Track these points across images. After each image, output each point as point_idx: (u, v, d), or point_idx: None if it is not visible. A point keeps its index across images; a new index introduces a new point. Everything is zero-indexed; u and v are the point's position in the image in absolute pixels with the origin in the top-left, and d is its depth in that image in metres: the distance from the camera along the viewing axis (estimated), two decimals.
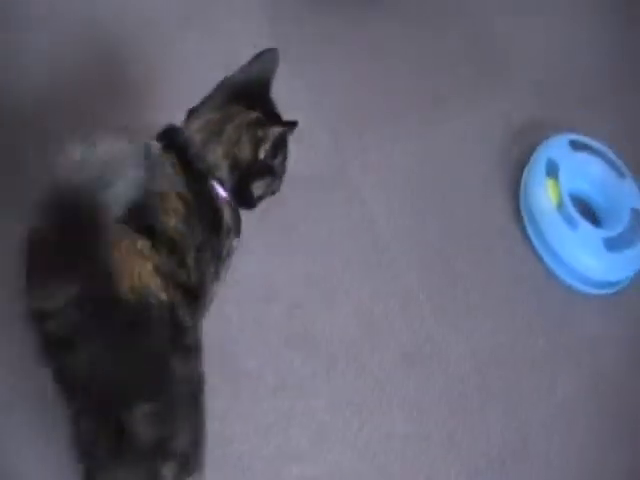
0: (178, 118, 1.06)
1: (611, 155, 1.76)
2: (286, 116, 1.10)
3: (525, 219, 1.70)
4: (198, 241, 0.94)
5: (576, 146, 1.75)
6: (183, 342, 0.89)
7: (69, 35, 1.68)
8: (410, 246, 1.62)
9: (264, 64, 1.08)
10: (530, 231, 1.68)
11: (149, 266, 0.84)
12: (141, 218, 0.86)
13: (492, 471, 1.36)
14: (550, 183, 1.68)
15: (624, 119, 1.98)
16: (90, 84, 1.62)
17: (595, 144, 1.77)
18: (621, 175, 1.74)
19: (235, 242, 1.05)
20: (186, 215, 0.92)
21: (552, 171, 1.69)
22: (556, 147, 1.74)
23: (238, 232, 1.05)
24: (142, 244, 0.85)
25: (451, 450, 1.36)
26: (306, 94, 1.77)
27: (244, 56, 1.11)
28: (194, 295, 0.93)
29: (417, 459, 1.34)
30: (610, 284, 1.64)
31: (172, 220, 0.90)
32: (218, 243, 1.00)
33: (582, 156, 1.74)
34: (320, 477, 1.28)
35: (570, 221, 1.60)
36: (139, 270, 0.83)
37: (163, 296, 0.85)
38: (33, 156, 1.40)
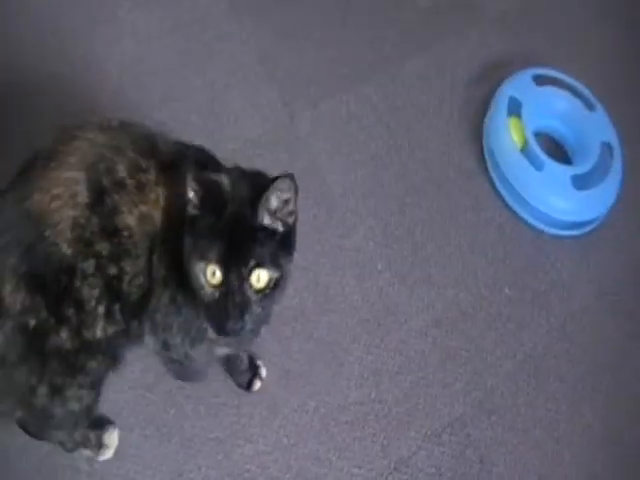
0: None
1: (579, 87, 1.63)
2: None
3: (488, 162, 1.59)
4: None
5: (541, 81, 1.63)
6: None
7: None
8: (366, 193, 1.52)
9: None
10: (494, 175, 1.58)
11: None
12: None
13: (453, 434, 1.28)
14: (513, 122, 1.57)
15: (593, 52, 1.85)
16: None
17: (562, 76, 1.64)
18: (591, 107, 1.61)
19: None
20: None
21: (515, 109, 1.58)
22: (518, 84, 1.61)
23: None
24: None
25: (409, 412, 1.29)
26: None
27: None
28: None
29: (375, 423, 1.27)
30: (581, 224, 1.52)
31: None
32: None
33: (547, 90, 1.62)
34: (272, 453, 1.22)
35: (535, 161, 1.49)
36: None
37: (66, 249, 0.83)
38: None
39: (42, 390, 0.91)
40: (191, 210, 0.83)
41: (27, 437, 1.13)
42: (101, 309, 0.89)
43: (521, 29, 1.86)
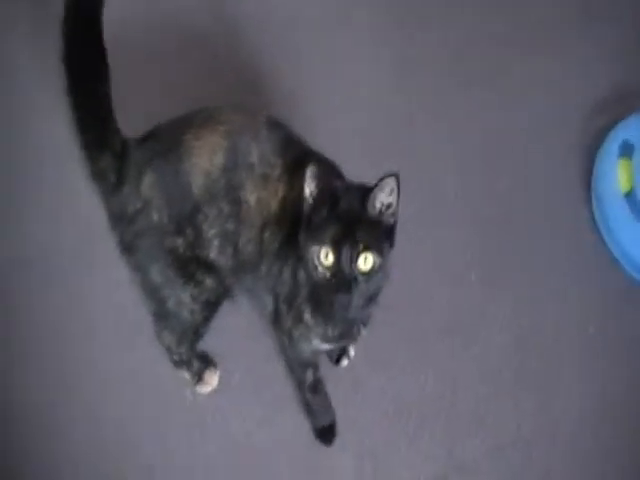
0: None
1: None
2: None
3: (593, 201, 1.63)
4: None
5: None
6: None
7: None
8: (472, 205, 1.59)
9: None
10: (597, 215, 1.61)
11: None
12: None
13: (514, 449, 1.35)
14: (623, 164, 1.58)
15: None
16: None
17: None
18: None
19: None
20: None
21: (627, 152, 1.59)
22: (633, 126, 1.62)
23: None
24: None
25: (478, 422, 1.36)
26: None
27: None
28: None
29: (446, 423, 1.35)
30: None
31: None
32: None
33: None
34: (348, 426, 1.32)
35: (637, 209, 1.51)
36: None
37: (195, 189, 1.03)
38: None
39: (157, 274, 1.07)
40: (308, 203, 0.95)
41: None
42: (216, 242, 1.05)
43: None
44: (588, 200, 1.64)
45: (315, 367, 1.24)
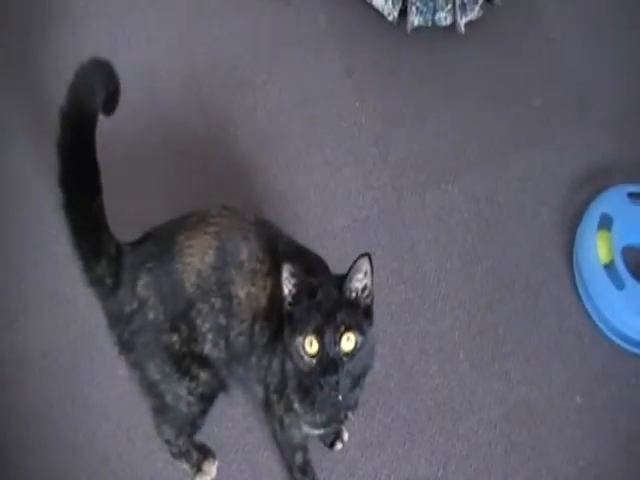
0: None
1: None
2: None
3: (575, 271, 1.70)
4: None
5: (636, 198, 1.72)
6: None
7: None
8: (458, 284, 1.67)
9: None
10: (579, 285, 1.68)
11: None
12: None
13: None
14: (603, 236, 1.66)
15: None
16: None
17: None
18: None
19: None
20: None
21: (606, 224, 1.67)
22: (611, 200, 1.71)
23: None
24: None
25: None
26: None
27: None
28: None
29: None
30: None
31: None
32: None
33: None
34: None
35: (616, 279, 1.58)
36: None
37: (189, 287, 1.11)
38: None
39: (155, 371, 1.14)
40: (288, 301, 1.03)
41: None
42: (209, 336, 1.13)
43: (630, 137, 1.93)
44: (571, 273, 1.70)
45: (304, 450, 1.31)
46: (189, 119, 1.87)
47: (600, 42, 2.15)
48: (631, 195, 1.72)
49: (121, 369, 1.42)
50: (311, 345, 0.98)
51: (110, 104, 1.09)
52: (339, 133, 1.89)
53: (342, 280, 1.01)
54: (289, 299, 1.02)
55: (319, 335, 0.97)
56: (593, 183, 1.83)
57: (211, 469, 1.39)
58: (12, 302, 1.58)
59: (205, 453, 1.40)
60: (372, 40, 2.08)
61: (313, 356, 0.98)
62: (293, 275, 1.01)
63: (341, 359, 0.98)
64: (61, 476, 1.40)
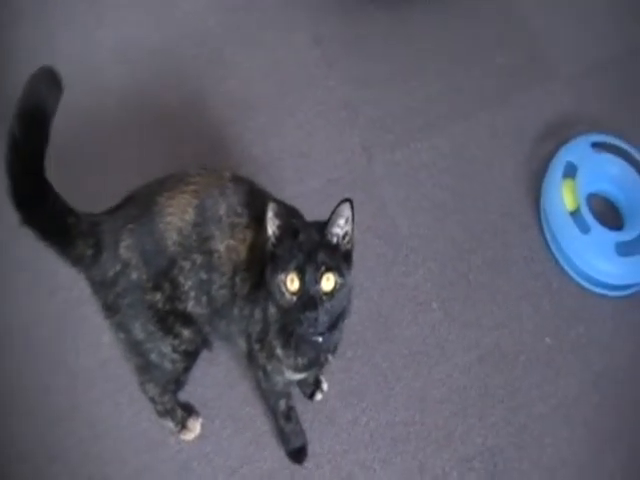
0: None
1: (636, 154, 1.75)
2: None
3: (542, 219, 1.75)
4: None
5: (599, 147, 1.77)
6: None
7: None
8: (429, 237, 1.71)
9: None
10: (546, 232, 1.73)
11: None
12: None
13: (482, 459, 1.45)
14: (568, 184, 1.71)
15: None
16: None
17: (619, 143, 1.76)
18: None
19: None
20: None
21: (571, 173, 1.72)
22: (576, 149, 1.76)
23: None
24: None
25: (446, 438, 1.47)
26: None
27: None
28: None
29: (416, 442, 1.46)
30: (623, 287, 1.66)
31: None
32: None
33: (603, 157, 1.76)
34: (326, 455, 1.44)
35: (582, 224, 1.63)
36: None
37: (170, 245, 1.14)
38: None
39: (139, 330, 1.17)
40: (271, 241, 1.06)
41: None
42: (192, 294, 1.16)
43: (590, 91, 2.00)
44: (538, 222, 1.76)
45: (288, 396, 1.35)
46: (164, 92, 1.89)
47: (561, 1, 2.19)
48: (595, 144, 1.77)
49: (105, 336, 1.46)
50: (292, 282, 1.02)
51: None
52: (310, 99, 1.92)
53: (324, 225, 1.04)
54: (273, 239, 1.05)
55: (300, 273, 1.01)
56: (558, 135, 1.88)
57: (195, 426, 1.43)
58: None
59: (189, 411, 1.44)
60: (338, 8, 2.12)
61: (294, 293, 1.02)
62: (277, 215, 1.04)
63: (320, 298, 1.02)
64: (48, 442, 1.43)
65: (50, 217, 1.10)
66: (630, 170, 1.75)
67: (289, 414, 1.38)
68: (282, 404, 1.35)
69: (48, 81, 1.06)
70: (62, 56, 1.92)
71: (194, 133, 1.82)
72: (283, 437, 1.42)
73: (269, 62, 1.98)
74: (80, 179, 1.68)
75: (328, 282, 1.02)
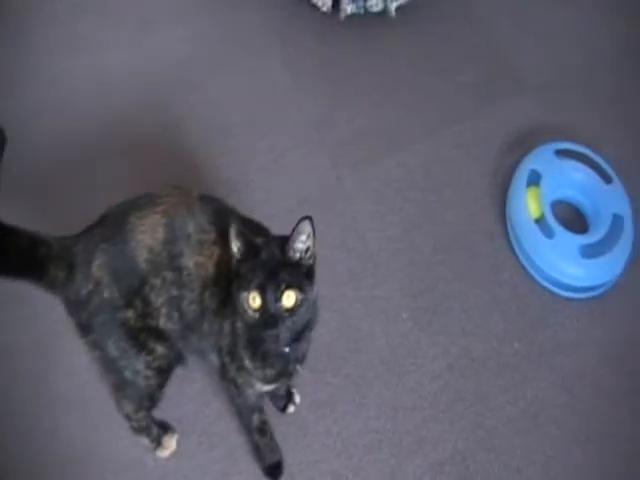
0: None
1: (599, 161, 1.80)
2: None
3: (508, 228, 1.80)
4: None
5: (562, 154, 1.82)
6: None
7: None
8: (399, 250, 1.76)
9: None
10: (512, 240, 1.78)
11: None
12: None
13: (453, 463, 1.48)
14: (532, 192, 1.76)
15: (620, 128, 2.02)
16: None
17: (582, 150, 1.82)
18: (608, 180, 1.78)
19: None
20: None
21: (535, 180, 1.77)
22: (540, 157, 1.81)
23: None
24: None
25: (418, 444, 1.50)
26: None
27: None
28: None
29: (388, 449, 1.49)
30: (589, 289, 1.69)
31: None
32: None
33: (567, 164, 1.81)
34: (299, 466, 1.47)
35: (546, 230, 1.68)
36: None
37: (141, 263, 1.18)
38: None
39: (113, 348, 1.21)
40: (235, 259, 1.10)
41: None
42: (163, 310, 1.20)
43: (558, 101, 2.07)
44: (504, 231, 1.81)
45: (260, 411, 1.39)
46: (137, 118, 1.97)
47: (527, 18, 2.27)
48: (558, 152, 1.82)
49: (83, 359, 1.51)
50: (254, 300, 1.06)
51: None
52: (280, 121, 2.00)
53: (285, 241, 1.08)
54: (237, 257, 1.10)
55: (262, 291, 1.06)
56: (525, 146, 1.94)
57: (171, 442, 1.47)
58: None
59: (165, 428, 1.48)
60: (308, 31, 2.20)
61: (256, 310, 1.07)
62: (239, 235, 1.09)
63: (281, 315, 1.06)
64: (29, 462, 1.47)
65: (18, 260, 1.14)
66: (594, 176, 1.79)
67: (263, 428, 1.41)
68: (255, 419, 1.39)
69: None
70: (36, 81, 2.02)
71: (167, 158, 1.89)
72: (259, 453, 1.45)
73: (240, 86, 2.06)
74: (56, 202, 1.75)
75: (289, 299, 1.06)
